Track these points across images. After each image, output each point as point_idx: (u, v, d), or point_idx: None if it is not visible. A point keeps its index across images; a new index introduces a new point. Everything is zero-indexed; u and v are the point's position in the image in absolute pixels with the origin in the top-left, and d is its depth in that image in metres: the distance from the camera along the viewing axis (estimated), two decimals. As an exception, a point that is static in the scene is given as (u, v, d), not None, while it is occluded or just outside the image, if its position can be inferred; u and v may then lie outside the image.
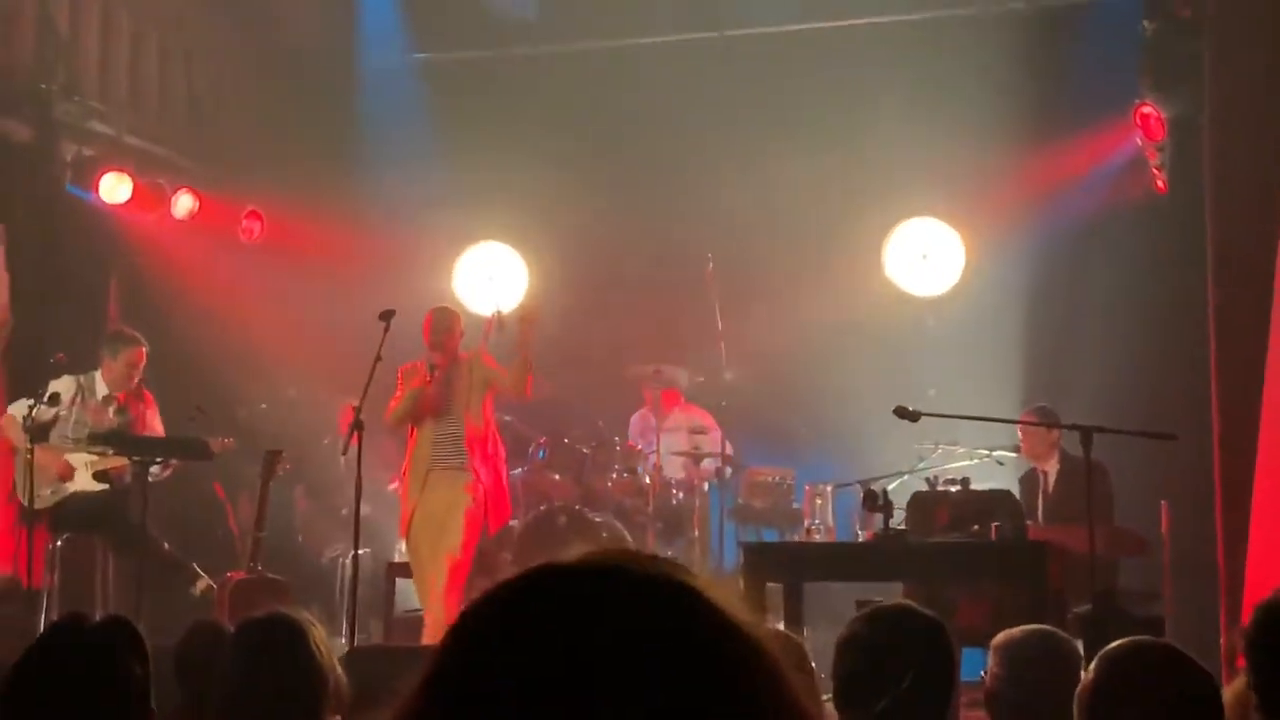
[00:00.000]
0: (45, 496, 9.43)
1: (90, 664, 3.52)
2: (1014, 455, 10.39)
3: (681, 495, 11.25)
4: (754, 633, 1.14)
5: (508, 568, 10.55)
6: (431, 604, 9.15)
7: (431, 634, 9.02)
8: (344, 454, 8.99)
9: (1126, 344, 11.30)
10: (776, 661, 1.15)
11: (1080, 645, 4.84)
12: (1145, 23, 10.00)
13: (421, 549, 9.27)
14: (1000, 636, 4.32)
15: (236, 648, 4.13)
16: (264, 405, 12.19)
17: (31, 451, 9.13)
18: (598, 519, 10.71)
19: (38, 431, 9.27)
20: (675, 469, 11.47)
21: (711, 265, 11.57)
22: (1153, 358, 11.09)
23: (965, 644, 6.58)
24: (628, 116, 13.09)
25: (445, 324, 9.54)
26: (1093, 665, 3.49)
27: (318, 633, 4.10)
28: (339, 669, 4.06)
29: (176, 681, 4.85)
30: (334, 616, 10.71)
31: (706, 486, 11.31)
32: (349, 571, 10.78)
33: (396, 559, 11.31)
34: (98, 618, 3.72)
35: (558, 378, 11.64)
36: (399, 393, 9.44)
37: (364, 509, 9.06)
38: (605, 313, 12.80)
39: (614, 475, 11.21)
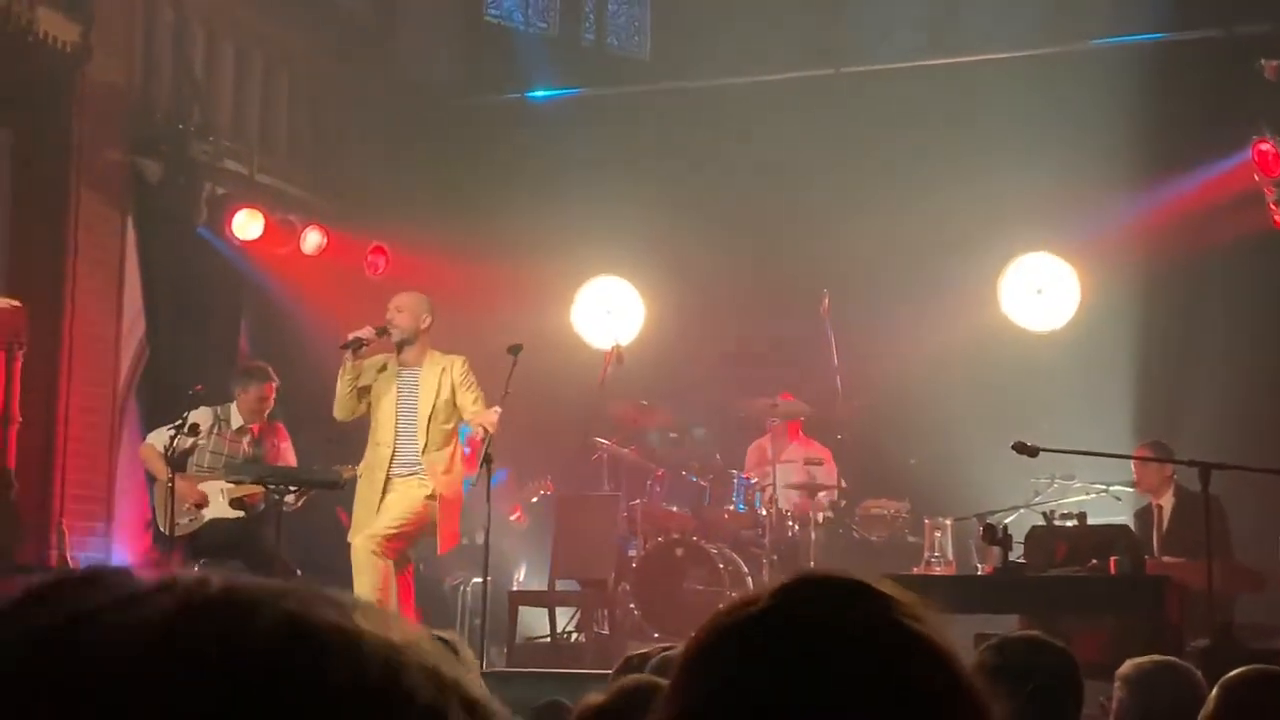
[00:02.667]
0: (183, 524, 9.71)
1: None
2: (1130, 490, 10.43)
3: (797, 528, 11.32)
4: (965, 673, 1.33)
5: (625, 598, 10.75)
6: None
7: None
8: (473, 485, 9.18)
9: (1241, 378, 11.30)
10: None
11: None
12: (1263, 60, 10.04)
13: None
14: (1127, 666, 4.42)
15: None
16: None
17: (173, 480, 9.41)
18: (714, 550, 10.84)
19: (178, 461, 9.58)
20: (791, 501, 11.55)
21: (827, 299, 11.66)
22: (1268, 392, 11.09)
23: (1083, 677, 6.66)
24: (742, 152, 13.25)
25: (398, 302, 9.17)
26: (1213, 693, 3.59)
27: (467, 654, 4.27)
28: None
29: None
30: (456, 644, 10.89)
31: (822, 519, 11.39)
32: (470, 599, 11.04)
33: (516, 587, 11.54)
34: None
35: (675, 411, 11.83)
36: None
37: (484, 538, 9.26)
38: (721, 347, 12.93)
39: (730, 507, 11.33)
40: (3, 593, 0.82)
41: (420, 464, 8.95)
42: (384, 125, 13.16)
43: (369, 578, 8.68)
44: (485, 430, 8.84)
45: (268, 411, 10.28)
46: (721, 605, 1.41)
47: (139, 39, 11.23)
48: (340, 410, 9.18)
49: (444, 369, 9.02)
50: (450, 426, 9.06)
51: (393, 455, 8.97)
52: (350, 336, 9.03)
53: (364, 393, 9.12)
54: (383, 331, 9.05)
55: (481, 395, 9.00)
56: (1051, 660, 4.01)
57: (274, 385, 10.24)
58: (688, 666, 1.36)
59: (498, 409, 8.89)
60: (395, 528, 8.82)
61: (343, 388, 9.07)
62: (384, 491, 8.93)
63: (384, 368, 9.14)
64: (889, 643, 1.31)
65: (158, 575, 0.83)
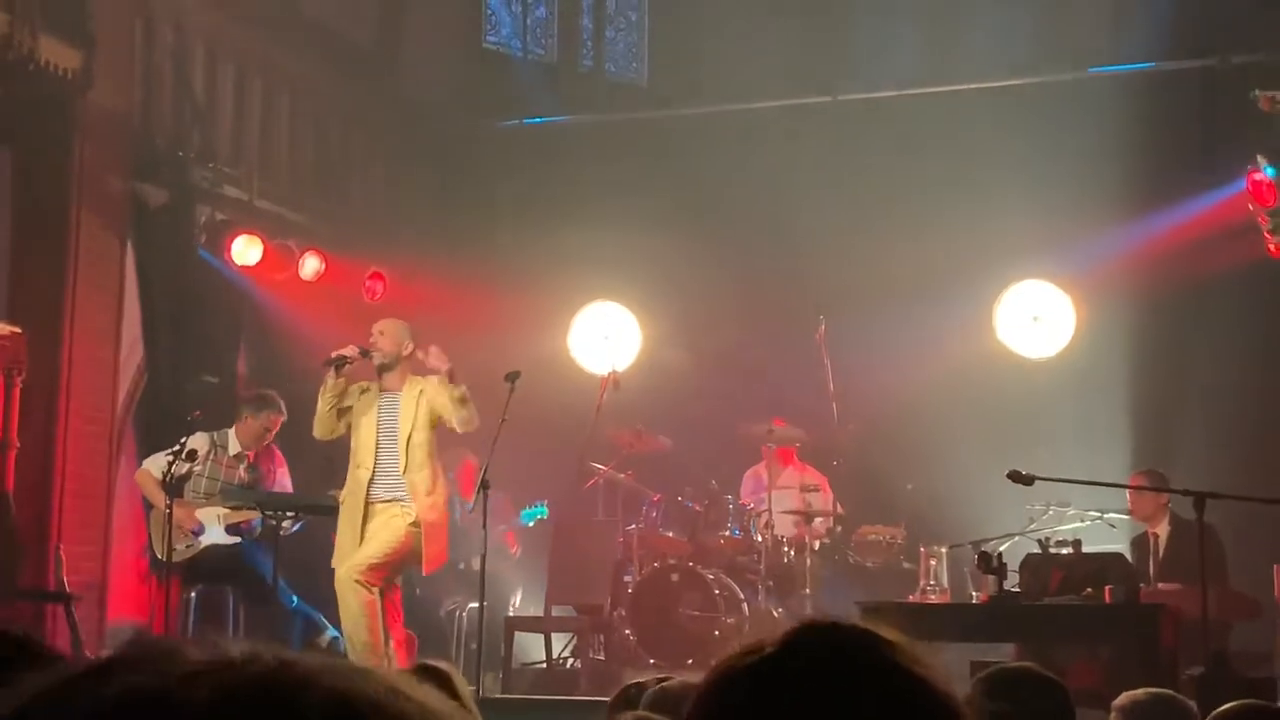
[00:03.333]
0: (180, 550, 9.72)
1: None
2: (1125, 518, 10.46)
3: (793, 553, 11.34)
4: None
5: (621, 623, 10.76)
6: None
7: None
8: (471, 511, 9.20)
9: (1236, 406, 11.34)
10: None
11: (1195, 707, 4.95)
12: (1258, 90, 10.10)
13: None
14: (1123, 698, 4.45)
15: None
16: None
17: (170, 506, 9.43)
18: (710, 575, 10.86)
19: (175, 487, 9.60)
20: (786, 527, 11.57)
21: (823, 325, 11.70)
22: (1263, 421, 11.13)
23: (1077, 705, 6.68)
24: (739, 179, 13.30)
25: (380, 326, 9.29)
26: (1205, 726, 3.63)
27: (462, 685, 4.30)
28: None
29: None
30: (452, 669, 10.89)
31: (818, 545, 11.41)
32: (465, 625, 11.06)
33: (511, 612, 11.55)
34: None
35: (672, 436, 11.86)
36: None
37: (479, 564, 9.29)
38: (717, 372, 12.97)
39: (726, 533, 11.36)
40: (8, 623, 0.87)
41: (402, 485, 8.97)
42: (383, 151, 13.22)
43: (354, 607, 8.72)
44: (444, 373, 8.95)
45: (270, 441, 10.33)
46: (729, 649, 1.45)
47: (139, 66, 11.27)
48: (319, 428, 9.26)
49: (421, 390, 9.08)
50: (429, 448, 9.06)
51: (372, 478, 9.01)
52: (334, 354, 9.11)
53: (344, 414, 9.18)
54: (365, 353, 9.12)
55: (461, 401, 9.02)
56: (1043, 692, 4.04)
57: (282, 420, 10.29)
58: (698, 712, 1.40)
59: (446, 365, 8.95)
60: (379, 558, 8.85)
61: (323, 405, 9.16)
62: (365, 518, 8.97)
63: (366, 390, 9.20)
64: (893, 689, 1.35)
65: (207, 650, 0.87)
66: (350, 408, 9.17)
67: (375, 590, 8.79)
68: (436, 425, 9.12)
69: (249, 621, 10.00)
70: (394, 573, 9.04)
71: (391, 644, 8.79)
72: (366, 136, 13.14)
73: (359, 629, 8.69)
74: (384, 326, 9.24)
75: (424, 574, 9.33)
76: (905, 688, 1.35)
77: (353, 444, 9.17)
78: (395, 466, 9.01)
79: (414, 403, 9.05)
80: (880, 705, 1.33)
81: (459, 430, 9.09)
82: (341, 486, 9.45)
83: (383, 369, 9.15)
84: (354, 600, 8.71)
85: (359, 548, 8.91)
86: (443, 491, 9.18)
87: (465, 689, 4.29)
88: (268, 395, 10.39)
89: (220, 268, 11.49)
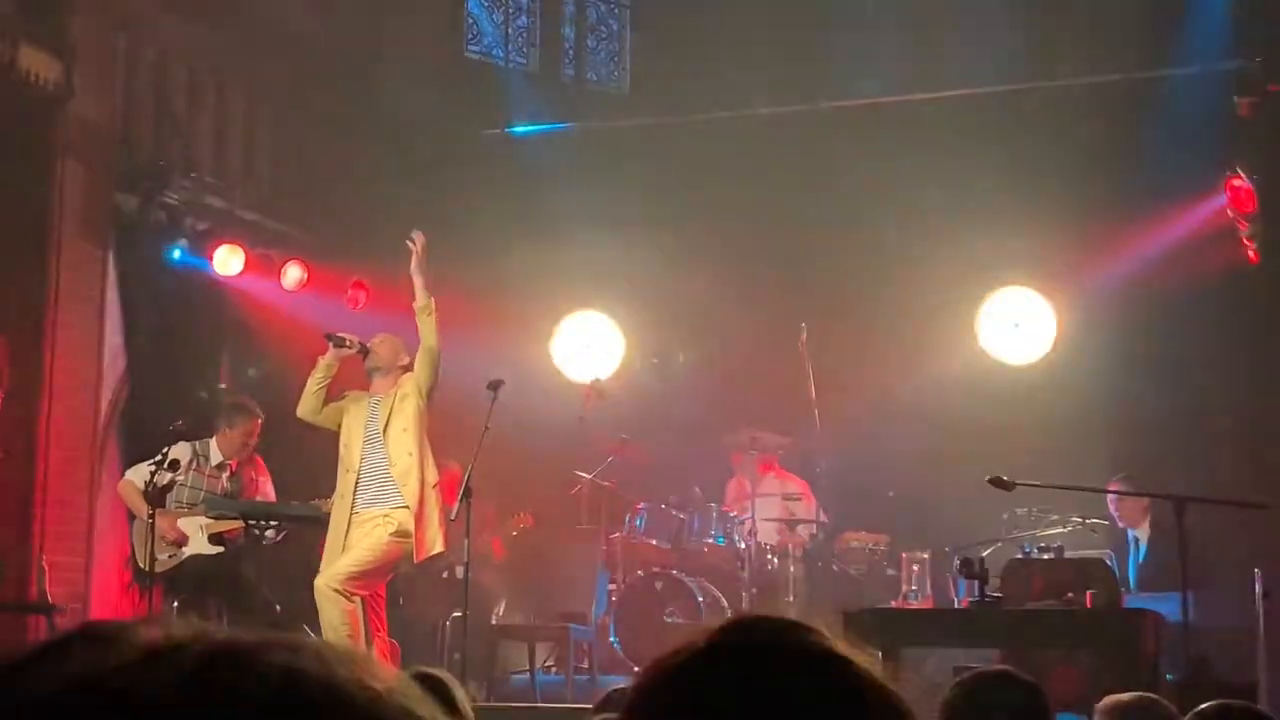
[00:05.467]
0: (162, 560, 9.71)
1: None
2: (1105, 523, 10.49)
3: (776, 561, 11.37)
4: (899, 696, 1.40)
5: (605, 631, 10.78)
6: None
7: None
8: (453, 519, 9.20)
9: (1219, 411, 11.37)
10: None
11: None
12: (1237, 98, 10.15)
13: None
14: (1105, 702, 4.47)
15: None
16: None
17: (153, 516, 9.42)
18: (694, 583, 10.88)
19: (157, 497, 9.59)
20: (770, 535, 11.59)
21: (805, 334, 11.72)
22: (1244, 426, 11.16)
23: (1059, 710, 6.69)
24: (722, 186, 13.33)
25: (381, 337, 9.40)
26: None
27: (460, 694, 4.27)
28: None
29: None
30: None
31: (801, 552, 11.44)
32: (449, 634, 11.05)
33: (495, 621, 11.55)
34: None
35: (655, 444, 11.88)
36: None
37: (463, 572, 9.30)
38: (700, 380, 12.99)
39: (710, 540, 11.37)
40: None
41: (389, 487, 8.99)
42: (365, 160, 13.20)
43: (333, 616, 8.73)
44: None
45: (251, 449, 10.32)
46: (663, 649, 1.47)
47: (120, 76, 11.26)
48: (302, 406, 9.33)
49: (399, 388, 9.14)
50: (414, 436, 9.05)
51: (358, 481, 9.05)
52: (338, 333, 9.22)
53: (329, 406, 9.25)
54: (365, 349, 9.20)
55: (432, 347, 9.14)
56: (1021, 696, 4.05)
57: (260, 423, 10.28)
58: (633, 709, 1.42)
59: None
60: (357, 568, 8.86)
61: (312, 383, 9.28)
62: (349, 526, 8.99)
63: (358, 399, 9.28)
64: (823, 674, 1.37)
65: (155, 631, 0.89)
66: (338, 408, 9.23)
67: (356, 600, 8.79)
68: (423, 417, 9.12)
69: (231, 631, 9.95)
70: (373, 582, 9.04)
71: (374, 653, 8.76)
72: (348, 145, 13.13)
73: (339, 638, 8.68)
74: (385, 338, 9.39)
75: (415, 561, 9.28)
76: (836, 674, 1.37)
77: (341, 448, 9.21)
78: (381, 464, 9.02)
79: (392, 399, 9.10)
80: (811, 692, 1.35)
81: (424, 353, 9.11)
82: (325, 496, 9.48)
83: (374, 372, 9.23)
84: (333, 609, 8.72)
85: (339, 556, 8.94)
86: (432, 475, 9.15)
87: (463, 697, 4.27)
88: (240, 403, 10.39)
89: (202, 279, 11.48)
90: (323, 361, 9.27)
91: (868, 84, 13.43)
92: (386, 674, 0.91)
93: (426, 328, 9.09)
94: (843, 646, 1.40)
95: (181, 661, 0.86)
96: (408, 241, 9.30)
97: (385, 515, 8.96)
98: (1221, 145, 10.96)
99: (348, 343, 9.25)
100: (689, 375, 13.02)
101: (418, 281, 9.20)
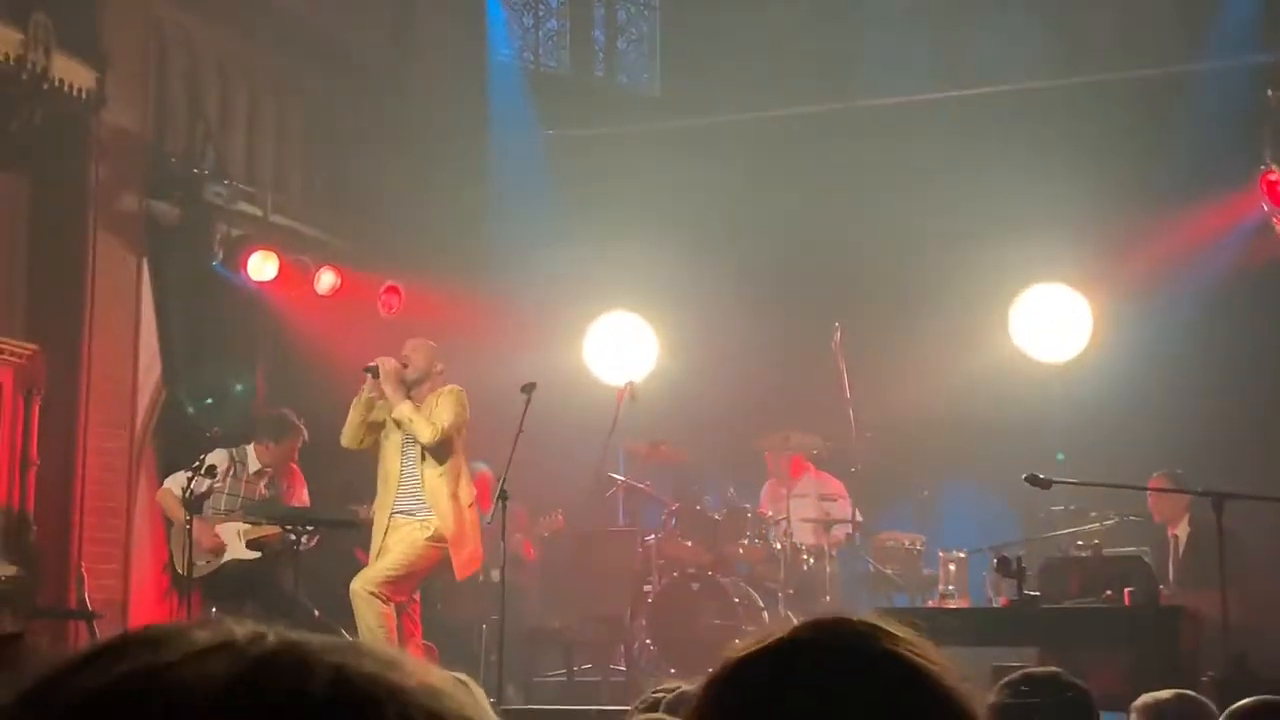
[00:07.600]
0: (200, 566, 9.75)
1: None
2: (1142, 520, 10.44)
3: (812, 561, 11.33)
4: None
5: (641, 633, 10.77)
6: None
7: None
8: (489, 522, 9.22)
9: (1254, 406, 11.31)
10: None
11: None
12: (1270, 91, 10.09)
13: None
14: (1144, 699, 4.45)
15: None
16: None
17: (190, 523, 9.45)
18: (730, 584, 10.86)
19: (195, 503, 9.63)
20: (806, 535, 11.56)
21: (839, 332, 11.69)
22: (1281, 421, 11.10)
23: (1098, 709, 6.67)
24: (753, 187, 13.33)
25: (413, 344, 9.37)
26: (1221, 721, 3.62)
27: (478, 691, 4.30)
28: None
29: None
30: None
31: (837, 552, 11.40)
32: (486, 636, 11.06)
33: (532, 624, 11.55)
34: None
35: (689, 445, 11.87)
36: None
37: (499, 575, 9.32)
38: (735, 380, 12.96)
39: (745, 541, 11.34)
40: (34, 638, 0.90)
41: (424, 495, 9.04)
42: (397, 165, 13.23)
43: (369, 619, 8.79)
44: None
45: (293, 460, 10.36)
46: (737, 642, 1.47)
47: (153, 83, 11.31)
48: (345, 436, 9.35)
49: (435, 401, 9.13)
50: (448, 454, 9.08)
51: (396, 491, 9.11)
52: (375, 362, 9.19)
53: (374, 429, 9.27)
54: (401, 364, 9.21)
55: (440, 421, 9.01)
56: (1069, 697, 4.03)
57: (303, 437, 10.30)
58: (706, 702, 1.41)
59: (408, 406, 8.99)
60: (392, 572, 8.93)
61: (355, 415, 9.28)
62: (386, 531, 9.07)
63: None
64: (900, 676, 1.36)
65: (213, 630, 0.91)
66: (381, 424, 9.24)
67: (391, 604, 8.83)
68: (460, 433, 9.15)
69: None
70: (409, 587, 9.07)
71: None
72: (380, 150, 13.16)
73: (375, 641, 8.70)
74: (417, 344, 9.36)
75: (457, 579, 9.34)
76: (913, 676, 1.36)
77: (380, 457, 9.27)
78: (416, 477, 9.08)
79: (428, 413, 9.09)
80: (887, 690, 1.35)
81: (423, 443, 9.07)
82: (362, 503, 9.55)
83: (412, 384, 9.21)
84: (368, 612, 8.77)
85: (375, 560, 8.98)
86: (468, 495, 9.20)
87: (483, 699, 4.29)
88: (286, 420, 10.34)
89: (237, 284, 11.52)
90: (364, 395, 9.23)
91: (899, 82, 13.40)
92: (439, 676, 0.93)
93: (416, 430, 9.01)
94: (932, 652, 1.40)
95: (239, 659, 0.88)
96: (366, 372, 9.18)
97: (422, 522, 9.00)
98: (1255, 139, 10.89)
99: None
100: (723, 375, 12.98)
101: (392, 400, 9.06)
